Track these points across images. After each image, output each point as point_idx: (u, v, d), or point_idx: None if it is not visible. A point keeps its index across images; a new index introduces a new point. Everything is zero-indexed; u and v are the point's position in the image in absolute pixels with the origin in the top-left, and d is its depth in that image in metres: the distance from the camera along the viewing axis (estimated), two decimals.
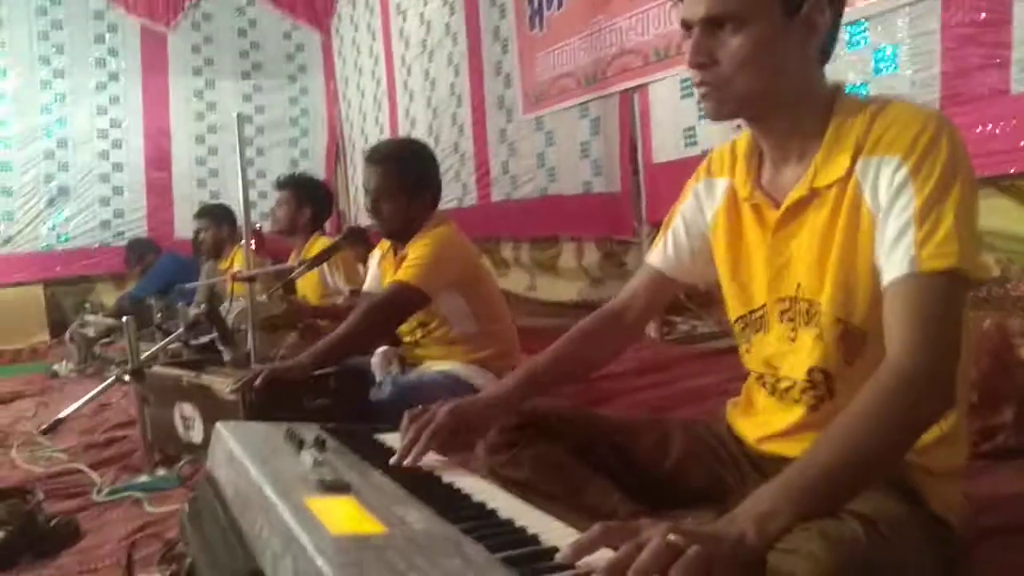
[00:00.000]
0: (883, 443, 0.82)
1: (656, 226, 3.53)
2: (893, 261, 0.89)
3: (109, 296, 6.09)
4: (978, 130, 2.18)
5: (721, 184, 1.14)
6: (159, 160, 6.51)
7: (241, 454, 1.13)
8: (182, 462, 1.96)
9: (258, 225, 5.39)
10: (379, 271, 2.38)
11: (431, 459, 1.08)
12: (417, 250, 2.07)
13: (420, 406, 1.15)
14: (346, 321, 2.02)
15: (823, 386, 1.01)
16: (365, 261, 4.33)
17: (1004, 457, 1.47)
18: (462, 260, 2.15)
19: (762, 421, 1.12)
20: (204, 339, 2.51)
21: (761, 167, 1.08)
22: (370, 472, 1.03)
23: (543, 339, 3.42)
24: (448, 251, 2.09)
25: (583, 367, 1.25)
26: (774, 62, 0.96)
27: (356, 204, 6.90)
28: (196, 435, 1.93)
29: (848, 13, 2.46)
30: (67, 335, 4.38)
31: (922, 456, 0.96)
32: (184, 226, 6.28)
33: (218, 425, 1.31)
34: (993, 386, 1.53)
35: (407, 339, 2.25)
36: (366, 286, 2.48)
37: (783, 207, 1.02)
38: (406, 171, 2.13)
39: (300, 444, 1.14)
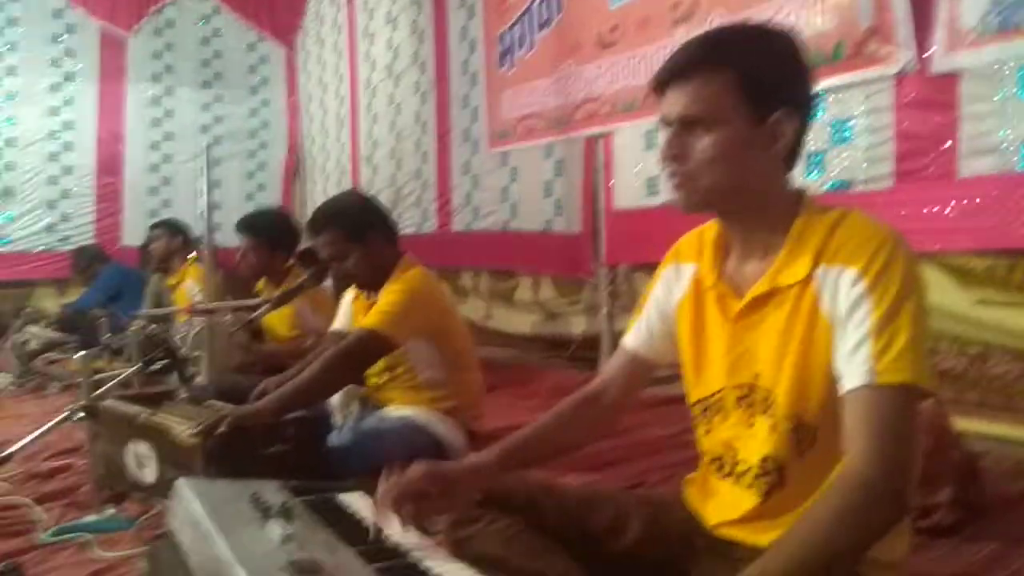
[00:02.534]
0: (841, 547, 0.89)
1: (612, 268, 3.65)
2: (851, 371, 0.95)
3: (49, 301, 5.90)
4: (925, 210, 2.29)
5: (688, 270, 1.19)
6: (110, 165, 6.35)
7: (206, 521, 1.12)
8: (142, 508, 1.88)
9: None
10: (351, 310, 2.35)
11: (406, 535, 1.08)
12: (388, 296, 2.06)
13: (395, 467, 1.13)
14: (310, 367, 1.99)
15: (775, 475, 1.06)
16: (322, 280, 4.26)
17: (940, 535, 1.53)
18: (433, 308, 2.14)
19: (718, 504, 1.16)
20: (157, 366, 2.47)
21: (727, 257, 1.13)
22: (339, 548, 1.04)
23: (495, 371, 3.41)
24: (419, 298, 2.08)
25: (563, 449, 1.27)
26: (739, 163, 1.02)
27: None
28: (149, 475, 1.89)
29: None
30: (8, 344, 4.24)
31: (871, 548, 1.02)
32: (132, 233, 6.15)
33: (179, 482, 1.30)
34: (931, 464, 1.58)
35: (372, 380, 2.22)
36: (336, 324, 2.43)
37: (746, 299, 1.07)
38: (347, 225, 2.12)
39: (266, 511, 1.14)
